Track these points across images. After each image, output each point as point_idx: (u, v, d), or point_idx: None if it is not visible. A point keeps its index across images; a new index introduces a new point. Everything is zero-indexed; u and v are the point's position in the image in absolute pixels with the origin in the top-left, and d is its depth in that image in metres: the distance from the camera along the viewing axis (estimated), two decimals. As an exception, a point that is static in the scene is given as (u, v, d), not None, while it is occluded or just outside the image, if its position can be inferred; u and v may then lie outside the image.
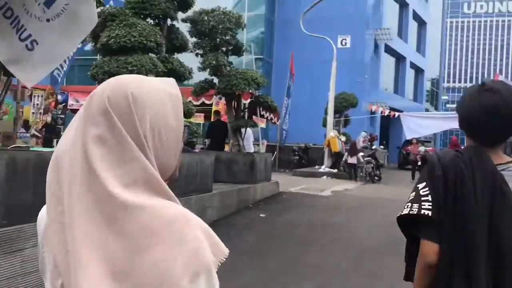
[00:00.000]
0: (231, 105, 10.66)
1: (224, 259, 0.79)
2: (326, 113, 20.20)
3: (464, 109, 1.59)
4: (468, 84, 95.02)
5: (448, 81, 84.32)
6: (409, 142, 29.70)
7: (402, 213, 1.55)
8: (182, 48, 8.96)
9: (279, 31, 26.42)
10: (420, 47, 43.67)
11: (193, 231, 0.77)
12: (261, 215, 8.63)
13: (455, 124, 18.95)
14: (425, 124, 17.99)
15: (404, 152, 27.88)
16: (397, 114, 19.63)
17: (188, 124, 11.61)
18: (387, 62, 35.42)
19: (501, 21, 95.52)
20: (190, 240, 0.76)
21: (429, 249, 1.49)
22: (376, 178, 17.06)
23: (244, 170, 9.97)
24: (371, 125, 28.82)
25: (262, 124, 20.55)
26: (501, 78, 19.77)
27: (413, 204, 1.52)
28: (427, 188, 1.51)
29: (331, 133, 19.44)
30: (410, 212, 1.51)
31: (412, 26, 40.81)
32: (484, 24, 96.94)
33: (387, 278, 5.07)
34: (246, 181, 9.86)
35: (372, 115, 26.76)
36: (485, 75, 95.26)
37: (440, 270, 1.48)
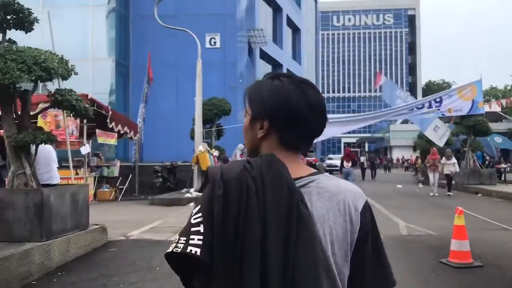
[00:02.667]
0: (9, 109, 6.46)
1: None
2: (194, 123, 16.62)
3: (289, 103, 1.20)
4: (342, 95, 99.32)
5: (322, 91, 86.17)
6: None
7: (167, 251, 1.13)
8: None
9: (136, 29, 22.24)
10: (296, 55, 42.39)
11: None
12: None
13: (340, 130, 16.39)
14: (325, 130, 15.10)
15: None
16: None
17: None
18: (263, 69, 33.11)
19: (368, 33, 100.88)
20: None
21: None
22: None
23: (26, 219, 5.83)
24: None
25: (111, 139, 16.31)
26: (382, 77, 17.69)
27: (181, 238, 1.12)
28: (199, 214, 1.12)
29: (200, 146, 15.87)
30: (175, 250, 1.10)
31: (287, 32, 39.25)
32: (352, 36, 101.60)
33: None
34: (29, 237, 5.73)
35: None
36: (357, 85, 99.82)
37: None
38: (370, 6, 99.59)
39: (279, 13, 36.59)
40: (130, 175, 16.98)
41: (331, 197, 1.19)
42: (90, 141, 17.46)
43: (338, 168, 40.95)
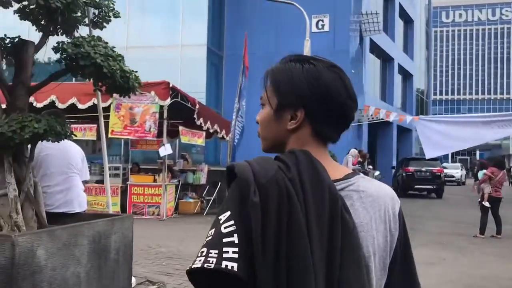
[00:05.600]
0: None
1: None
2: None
3: (329, 90, 1.07)
4: (456, 97, 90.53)
5: (435, 93, 78.73)
6: (408, 160, 23.07)
7: (193, 266, 0.93)
8: None
9: (232, 12, 19.21)
10: (408, 48, 37.39)
11: None
12: None
13: (500, 134, 11.97)
14: (454, 135, 11.03)
15: (404, 174, 21.10)
16: (408, 118, 12.59)
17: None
18: (373, 62, 28.90)
19: (481, 30, 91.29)
20: None
21: None
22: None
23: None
24: (357, 137, 21.91)
25: (198, 139, 13.37)
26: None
27: (211, 250, 0.92)
28: (231, 222, 0.93)
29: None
30: (206, 266, 0.90)
31: (399, 23, 34.54)
32: (464, 33, 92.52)
33: None
34: None
35: (358, 123, 19.88)
36: (468, 87, 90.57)
37: None
38: (484, 0, 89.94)
39: (390, 1, 32.10)
40: (220, 183, 13.92)
41: (373, 202, 1.07)
42: (177, 140, 14.74)
43: (454, 179, 35.84)
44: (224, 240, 0.91)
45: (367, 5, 24.11)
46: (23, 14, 3.77)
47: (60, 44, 3.35)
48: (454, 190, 27.33)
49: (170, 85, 11.36)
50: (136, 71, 3.61)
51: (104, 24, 4.07)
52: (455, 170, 36.68)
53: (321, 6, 18.02)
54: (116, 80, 3.37)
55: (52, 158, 3.96)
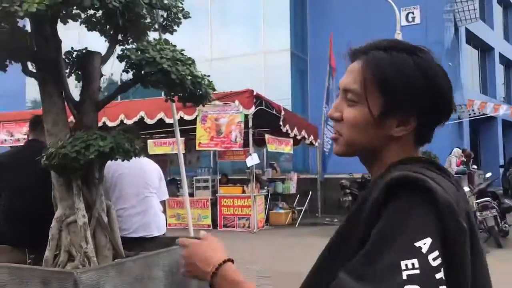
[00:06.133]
0: (53, 88, 3.14)
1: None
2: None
3: (443, 91, 0.96)
4: None
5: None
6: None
7: None
8: None
9: (314, 12, 18.50)
10: (509, 35, 34.19)
11: None
12: None
13: None
14: None
15: (517, 173, 19.00)
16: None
17: None
18: (470, 54, 26.68)
19: None
20: None
21: None
22: (502, 235, 8.78)
23: None
24: (458, 136, 20.14)
25: (286, 147, 12.88)
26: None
27: None
28: (437, 253, 0.78)
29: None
30: None
31: (497, 9, 31.71)
32: None
33: None
34: None
35: (459, 120, 18.22)
36: None
37: None
38: None
39: (487, -14, 29.54)
40: (311, 192, 13.29)
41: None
42: (264, 149, 14.38)
43: None
44: (437, 276, 0.77)
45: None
46: (90, 24, 3.50)
47: (125, 51, 2.98)
48: None
49: (254, 93, 11.01)
50: (209, 76, 3.15)
51: (175, 27, 3.69)
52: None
53: (410, -1, 16.81)
54: (187, 87, 2.93)
55: (127, 178, 3.64)
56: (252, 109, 10.90)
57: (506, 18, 34.41)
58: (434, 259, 0.76)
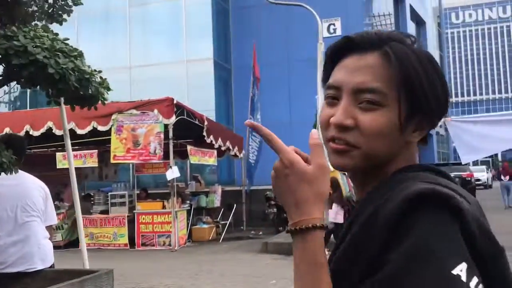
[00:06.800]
0: None
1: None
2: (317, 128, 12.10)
3: (447, 87, 0.90)
4: (473, 98, 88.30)
5: (450, 96, 77.01)
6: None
7: None
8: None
9: (237, 23, 18.22)
10: (422, 51, 36.21)
11: None
12: None
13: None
14: (495, 135, 9.91)
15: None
16: (440, 121, 11.39)
17: None
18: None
19: (493, 28, 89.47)
20: None
21: None
22: None
23: None
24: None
25: (210, 158, 12.35)
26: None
27: None
28: (476, 280, 0.71)
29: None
30: None
31: (410, 26, 33.48)
32: (475, 33, 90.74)
33: None
34: None
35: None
36: (484, 87, 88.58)
37: None
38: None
39: (401, 3, 31.12)
40: (235, 205, 12.84)
41: None
42: (187, 161, 13.76)
43: (481, 182, 34.23)
44: None
45: (378, 7, 23.10)
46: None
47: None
48: (483, 194, 25.84)
49: (175, 102, 10.41)
50: (101, 71, 2.58)
51: (64, 16, 3.07)
52: (481, 173, 35.09)
53: (332, 9, 17.04)
54: (71, 84, 2.34)
55: (1, 199, 2.93)
56: (173, 119, 10.29)
57: (419, 35, 36.46)
58: (477, 284, 0.71)
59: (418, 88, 0.82)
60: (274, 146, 0.82)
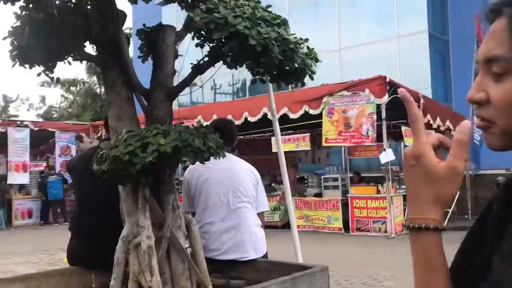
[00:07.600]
0: (115, 71, 2.50)
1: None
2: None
3: None
4: None
5: None
6: None
7: None
8: None
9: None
10: None
11: None
12: None
13: None
14: None
15: None
16: None
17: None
18: None
19: None
20: None
21: None
22: None
23: None
24: None
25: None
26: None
27: None
28: None
29: None
30: None
31: None
32: None
33: None
34: None
35: None
36: None
37: None
38: None
39: None
40: (459, 191, 11.49)
41: None
42: (402, 143, 12.97)
43: None
44: None
45: None
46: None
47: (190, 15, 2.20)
48: None
49: (387, 80, 9.72)
50: (307, 39, 2.23)
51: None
52: None
53: None
54: (274, 56, 2.05)
55: (213, 184, 2.87)
56: (385, 98, 9.63)
57: None
58: None
59: None
60: (414, 130, 0.78)
